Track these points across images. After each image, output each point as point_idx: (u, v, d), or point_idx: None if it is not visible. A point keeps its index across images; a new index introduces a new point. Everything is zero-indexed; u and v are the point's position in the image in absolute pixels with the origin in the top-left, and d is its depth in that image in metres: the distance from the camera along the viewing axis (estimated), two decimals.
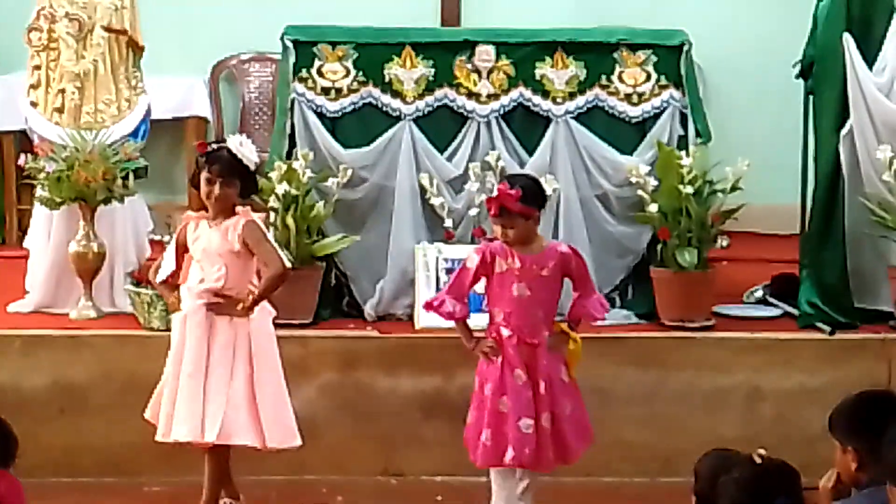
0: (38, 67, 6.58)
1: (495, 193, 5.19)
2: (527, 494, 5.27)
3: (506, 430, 5.14)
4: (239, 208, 5.33)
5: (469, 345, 5.30)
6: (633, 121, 6.39)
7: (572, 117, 6.35)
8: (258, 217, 5.38)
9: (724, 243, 6.19)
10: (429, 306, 5.37)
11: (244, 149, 5.28)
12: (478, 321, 5.39)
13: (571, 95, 6.35)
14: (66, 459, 5.83)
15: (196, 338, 5.23)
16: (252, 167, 5.33)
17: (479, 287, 5.31)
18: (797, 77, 6.42)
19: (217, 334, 5.25)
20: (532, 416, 5.12)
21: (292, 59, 6.34)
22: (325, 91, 6.35)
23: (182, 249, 5.37)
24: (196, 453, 5.34)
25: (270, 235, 5.46)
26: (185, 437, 5.19)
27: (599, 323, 6.11)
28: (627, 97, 6.37)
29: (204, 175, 5.27)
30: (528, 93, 6.35)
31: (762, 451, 3.29)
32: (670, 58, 6.36)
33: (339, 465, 5.87)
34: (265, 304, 5.32)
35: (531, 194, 5.24)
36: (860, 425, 3.67)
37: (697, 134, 6.29)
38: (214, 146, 5.36)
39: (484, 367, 5.25)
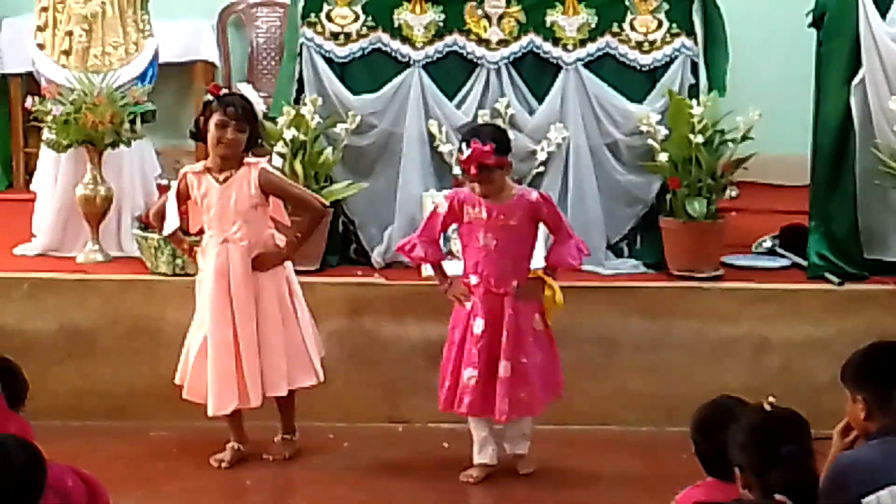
0: (45, 9, 6.55)
1: (468, 153, 5.13)
2: (517, 438, 5.33)
3: (460, 378, 5.21)
4: (247, 159, 5.32)
5: (442, 287, 5.34)
6: (644, 69, 6.34)
7: (583, 65, 6.31)
8: (265, 162, 5.40)
9: (733, 193, 6.15)
10: (400, 250, 5.47)
11: (254, 96, 5.30)
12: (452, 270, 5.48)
13: (582, 42, 6.30)
14: (72, 403, 5.83)
15: (243, 299, 5.25)
16: (259, 116, 5.34)
17: None
18: (810, 26, 6.36)
19: (261, 290, 5.27)
20: (476, 367, 5.17)
21: (301, 4, 6.30)
22: (334, 36, 6.30)
23: (184, 201, 5.35)
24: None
25: None
26: (256, 402, 5.28)
27: (608, 272, 6.14)
28: (639, 45, 6.32)
29: (217, 118, 5.23)
30: (538, 39, 6.30)
31: (772, 399, 3.28)
32: (682, 5, 6.31)
33: (345, 412, 5.87)
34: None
35: (502, 144, 5.23)
36: (869, 375, 3.67)
37: (710, 86, 6.25)
38: (226, 91, 5.36)
39: (456, 311, 5.30)
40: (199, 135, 5.36)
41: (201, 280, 5.36)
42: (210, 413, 5.30)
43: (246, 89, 5.35)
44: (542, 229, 5.43)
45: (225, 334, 5.24)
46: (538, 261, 5.45)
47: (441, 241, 5.49)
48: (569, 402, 5.63)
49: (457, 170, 6.21)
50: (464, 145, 5.18)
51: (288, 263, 5.41)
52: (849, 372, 3.72)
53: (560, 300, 5.28)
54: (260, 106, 5.34)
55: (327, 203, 5.66)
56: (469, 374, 5.19)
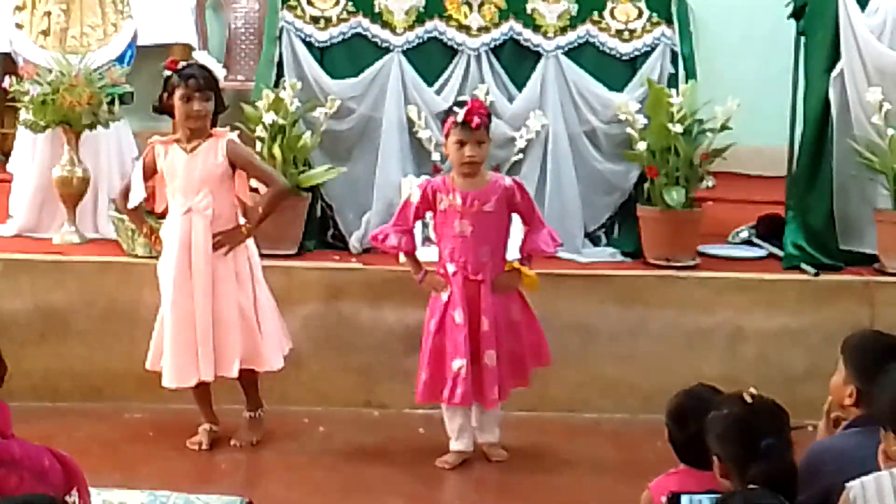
0: None
1: (468, 106, 5.15)
2: (488, 427, 5.34)
3: (444, 368, 5.19)
4: (216, 129, 5.32)
5: (417, 277, 5.34)
6: (624, 57, 6.35)
7: (563, 52, 6.31)
8: (234, 135, 5.39)
9: (710, 183, 6.17)
10: (374, 239, 5.45)
11: (211, 62, 5.30)
12: (430, 256, 5.46)
13: (562, 30, 6.31)
14: (46, 384, 5.81)
15: (202, 272, 5.22)
16: (220, 81, 5.35)
17: None
18: (789, 17, 6.39)
19: (220, 266, 5.25)
20: (465, 357, 5.16)
21: None
22: (314, 20, 6.29)
23: (150, 174, 5.34)
24: None
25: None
26: (209, 376, 5.25)
27: (586, 259, 6.16)
28: (619, 33, 6.33)
29: (181, 92, 5.24)
30: (518, 26, 6.30)
31: (753, 390, 3.29)
32: None
33: (321, 396, 5.87)
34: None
35: (489, 118, 5.29)
36: (864, 364, 3.65)
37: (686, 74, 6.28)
38: (184, 63, 5.34)
39: (432, 301, 5.28)
40: (161, 109, 5.36)
41: (164, 259, 5.34)
42: (165, 383, 5.27)
43: (202, 57, 5.33)
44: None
45: (186, 307, 5.22)
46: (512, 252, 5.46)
47: (418, 230, 5.48)
48: (544, 389, 5.66)
49: (435, 156, 6.23)
50: (456, 108, 5.21)
51: (252, 249, 5.39)
52: (852, 354, 3.70)
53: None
54: (219, 71, 5.33)
55: (288, 184, 5.62)
56: (459, 364, 5.17)
